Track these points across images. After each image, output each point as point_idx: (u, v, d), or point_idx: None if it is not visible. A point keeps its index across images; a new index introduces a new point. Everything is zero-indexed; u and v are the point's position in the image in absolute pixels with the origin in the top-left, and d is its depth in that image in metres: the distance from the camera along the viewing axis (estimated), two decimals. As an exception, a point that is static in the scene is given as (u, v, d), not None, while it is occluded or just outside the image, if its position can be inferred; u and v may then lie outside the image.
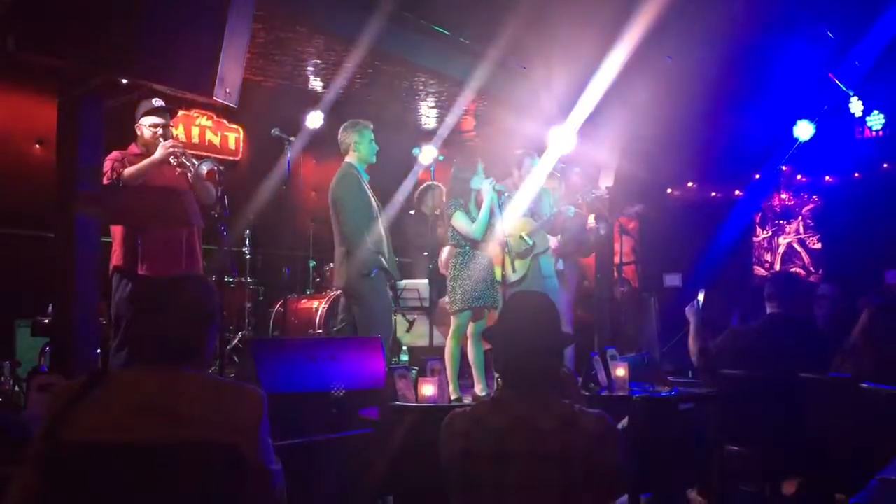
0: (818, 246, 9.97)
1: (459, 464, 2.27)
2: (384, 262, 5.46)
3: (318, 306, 6.77)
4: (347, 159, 5.61)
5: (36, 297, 5.74)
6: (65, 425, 1.95)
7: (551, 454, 2.17)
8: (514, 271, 5.88)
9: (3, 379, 5.37)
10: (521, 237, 6.03)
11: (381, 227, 5.56)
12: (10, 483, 2.02)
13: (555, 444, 2.18)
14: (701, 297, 4.64)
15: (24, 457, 2.03)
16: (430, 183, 7.01)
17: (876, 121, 8.66)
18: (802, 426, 3.91)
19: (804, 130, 8.58)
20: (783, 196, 10.26)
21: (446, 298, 5.62)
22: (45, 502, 1.94)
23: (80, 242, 4.37)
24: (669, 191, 10.65)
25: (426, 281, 6.25)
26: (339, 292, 6.94)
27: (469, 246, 5.54)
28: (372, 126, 5.65)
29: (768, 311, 4.36)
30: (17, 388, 5.27)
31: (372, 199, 5.61)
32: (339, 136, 5.63)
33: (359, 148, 5.56)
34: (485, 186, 5.55)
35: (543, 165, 6.43)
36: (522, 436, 2.21)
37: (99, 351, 4.90)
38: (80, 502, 1.93)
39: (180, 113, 7.91)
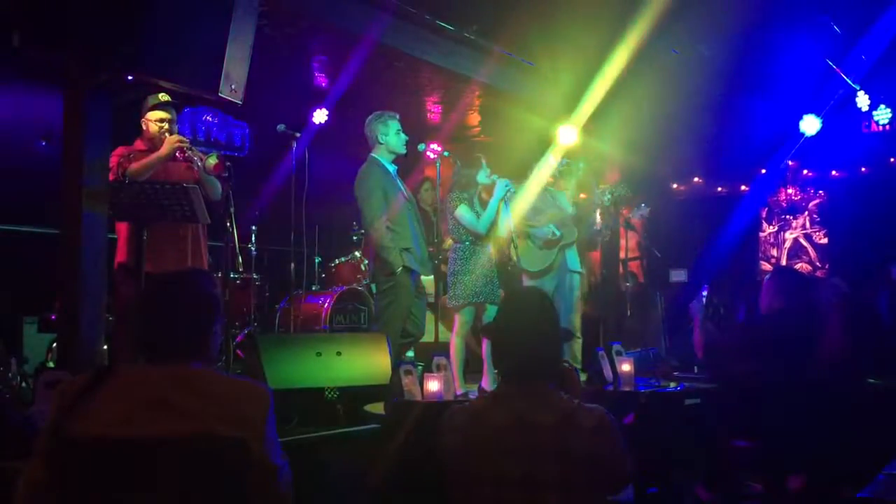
0: (824, 241, 9.94)
1: (459, 459, 2.28)
2: (411, 258, 5.44)
3: (324, 303, 6.77)
4: (372, 153, 5.57)
5: (42, 294, 5.76)
6: (72, 421, 1.96)
7: (550, 449, 2.18)
8: (530, 264, 5.97)
9: (10, 375, 5.40)
10: (549, 227, 6.11)
11: (411, 221, 5.54)
12: (18, 479, 2.03)
13: (553, 439, 2.18)
14: (705, 292, 4.64)
15: (32, 452, 2.04)
16: (425, 177, 7.06)
17: (883, 115, 8.61)
18: (808, 421, 3.90)
19: (810, 125, 8.55)
20: (789, 191, 10.22)
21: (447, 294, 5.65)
22: (53, 498, 1.95)
23: (86, 239, 4.37)
24: (675, 186, 10.63)
25: (431, 276, 6.26)
26: (345, 288, 6.98)
27: (469, 241, 5.55)
28: (398, 116, 5.62)
29: (772, 305, 4.35)
30: (24, 384, 5.30)
31: (402, 192, 5.55)
32: (365, 131, 5.60)
33: (385, 140, 5.52)
34: (498, 183, 5.56)
35: (550, 161, 6.47)
36: (521, 431, 2.21)
37: (105, 347, 4.92)
38: (87, 497, 1.94)
39: (186, 109, 7.91)
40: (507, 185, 5.57)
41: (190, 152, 4.99)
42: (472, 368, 5.80)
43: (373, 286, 6.11)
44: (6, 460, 2.85)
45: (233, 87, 4.65)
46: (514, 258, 5.75)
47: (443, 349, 5.36)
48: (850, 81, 8.09)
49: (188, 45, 4.40)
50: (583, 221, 6.60)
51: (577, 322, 6.55)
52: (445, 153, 6.03)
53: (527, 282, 6.20)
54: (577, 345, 6.46)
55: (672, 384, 5.32)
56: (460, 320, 5.48)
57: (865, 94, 8.23)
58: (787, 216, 10.23)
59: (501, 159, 6.55)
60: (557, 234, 6.18)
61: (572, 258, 6.42)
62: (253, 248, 7.15)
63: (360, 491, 4.04)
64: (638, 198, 9.05)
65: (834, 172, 9.86)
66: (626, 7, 6.65)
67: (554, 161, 6.51)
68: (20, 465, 2.09)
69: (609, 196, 6.47)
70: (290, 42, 6.86)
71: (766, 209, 10.38)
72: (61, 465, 1.94)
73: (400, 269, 5.33)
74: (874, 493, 2.18)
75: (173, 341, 2.11)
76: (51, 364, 5.60)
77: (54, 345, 5.55)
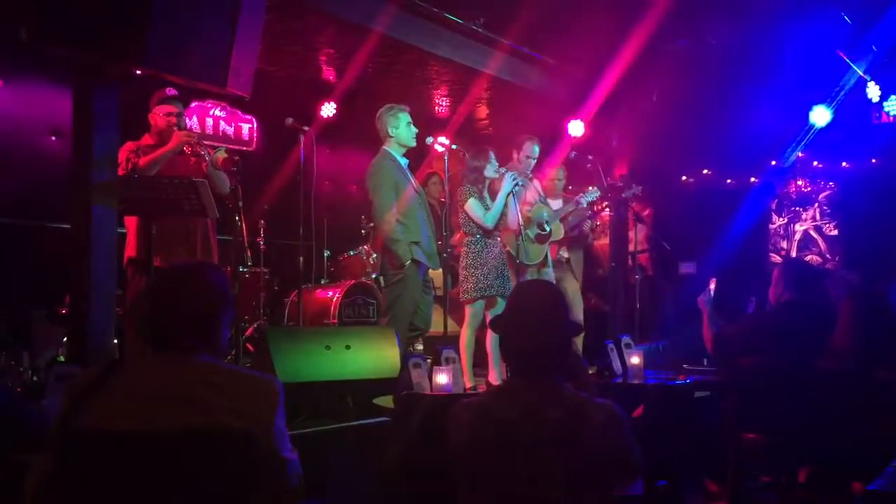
0: (835, 233, 9.89)
1: (467, 453, 2.28)
2: (419, 251, 5.45)
3: (334, 296, 6.78)
4: (384, 146, 5.61)
5: (53, 288, 5.79)
6: (81, 414, 1.97)
7: (558, 443, 2.17)
8: (527, 257, 5.92)
9: (21, 368, 5.43)
10: (545, 211, 6.16)
11: (420, 214, 5.55)
12: (29, 471, 2.05)
13: (561, 433, 2.18)
14: (712, 285, 4.63)
15: (42, 445, 2.05)
16: (433, 171, 7.06)
17: (893, 106, 8.57)
18: (818, 414, 3.89)
19: (821, 116, 8.50)
20: (799, 183, 10.16)
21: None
22: (63, 491, 1.96)
23: (95, 233, 4.39)
24: (684, 178, 10.59)
25: (439, 269, 6.26)
26: (354, 282, 6.99)
27: (480, 234, 5.54)
28: (408, 109, 5.65)
29: (782, 298, 4.33)
30: (35, 378, 5.33)
31: (412, 185, 5.58)
32: (376, 124, 5.63)
33: (396, 133, 5.56)
34: (506, 177, 5.54)
35: (554, 153, 6.46)
36: (529, 425, 2.21)
37: (115, 341, 4.94)
38: (96, 490, 1.95)
39: (194, 103, 7.93)
40: (514, 179, 5.55)
41: (198, 146, 5.01)
42: (475, 363, 5.79)
43: (381, 279, 6.12)
44: (19, 453, 2.86)
45: (241, 80, 4.66)
46: (514, 252, 5.73)
47: (451, 342, 5.36)
48: (860, 72, 8.04)
49: (196, 40, 4.40)
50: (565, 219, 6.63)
51: (580, 315, 6.59)
52: (454, 146, 6.02)
53: (530, 276, 6.19)
54: (580, 337, 6.46)
55: (681, 377, 5.31)
56: (471, 312, 5.48)
57: (876, 84, 8.18)
58: (797, 208, 10.18)
59: (510, 152, 6.52)
60: (547, 229, 6.16)
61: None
62: (262, 242, 7.17)
63: (369, 484, 4.05)
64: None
65: (844, 164, 9.81)
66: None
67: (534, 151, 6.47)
68: (33, 458, 2.10)
69: (587, 200, 6.55)
70: (298, 36, 6.87)
71: (776, 201, 10.33)
72: (71, 458, 1.95)
73: (409, 262, 5.34)
74: (884, 485, 2.17)
75: (182, 334, 2.11)
76: (61, 358, 5.62)
77: (65, 339, 5.57)
